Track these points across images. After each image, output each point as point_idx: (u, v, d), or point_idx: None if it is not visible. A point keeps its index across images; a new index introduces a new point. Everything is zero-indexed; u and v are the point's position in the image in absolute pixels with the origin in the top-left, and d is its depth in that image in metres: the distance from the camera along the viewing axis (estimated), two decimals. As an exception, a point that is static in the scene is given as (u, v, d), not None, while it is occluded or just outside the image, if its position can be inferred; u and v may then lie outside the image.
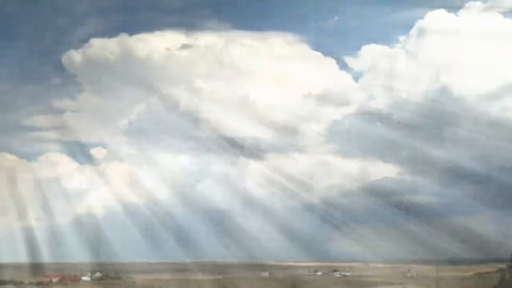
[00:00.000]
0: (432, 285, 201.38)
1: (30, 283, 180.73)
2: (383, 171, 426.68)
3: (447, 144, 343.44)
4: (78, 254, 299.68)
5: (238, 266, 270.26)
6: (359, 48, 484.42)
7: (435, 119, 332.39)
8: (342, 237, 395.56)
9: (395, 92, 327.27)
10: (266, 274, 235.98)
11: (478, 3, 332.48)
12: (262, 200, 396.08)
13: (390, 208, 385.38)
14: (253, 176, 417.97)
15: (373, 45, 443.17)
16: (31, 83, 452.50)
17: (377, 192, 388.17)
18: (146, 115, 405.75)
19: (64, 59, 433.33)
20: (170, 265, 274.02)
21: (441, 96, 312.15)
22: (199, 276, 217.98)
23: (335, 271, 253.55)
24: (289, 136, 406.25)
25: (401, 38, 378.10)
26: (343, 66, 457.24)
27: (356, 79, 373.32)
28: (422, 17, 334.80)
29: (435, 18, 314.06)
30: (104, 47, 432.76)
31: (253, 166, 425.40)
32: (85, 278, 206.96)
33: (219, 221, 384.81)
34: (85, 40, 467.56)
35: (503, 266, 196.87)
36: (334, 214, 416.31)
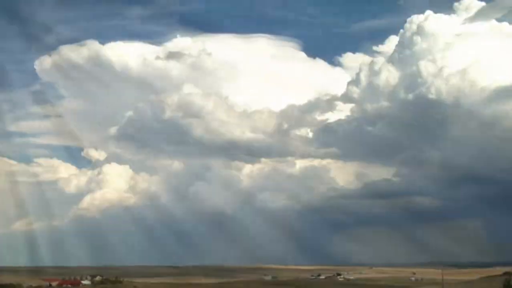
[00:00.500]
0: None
1: (29, 287, 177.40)
2: (378, 173, 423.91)
3: (439, 145, 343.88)
4: (77, 258, 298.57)
5: (241, 270, 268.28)
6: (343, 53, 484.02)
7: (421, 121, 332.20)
8: (343, 239, 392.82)
9: (382, 95, 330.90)
10: (269, 277, 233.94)
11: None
12: (259, 203, 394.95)
13: (389, 210, 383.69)
14: (247, 179, 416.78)
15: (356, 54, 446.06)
16: (6, 90, 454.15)
17: (374, 194, 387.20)
18: (136, 121, 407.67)
19: (37, 65, 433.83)
20: (172, 269, 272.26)
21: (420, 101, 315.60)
22: (202, 280, 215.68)
23: (339, 274, 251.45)
24: (278, 140, 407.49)
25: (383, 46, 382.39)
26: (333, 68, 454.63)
27: (346, 83, 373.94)
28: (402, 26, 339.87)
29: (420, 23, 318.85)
30: (75, 54, 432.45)
31: (247, 169, 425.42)
32: (85, 282, 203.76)
33: (218, 224, 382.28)
34: (55, 48, 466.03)
35: (509, 269, 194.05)
36: (333, 217, 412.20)
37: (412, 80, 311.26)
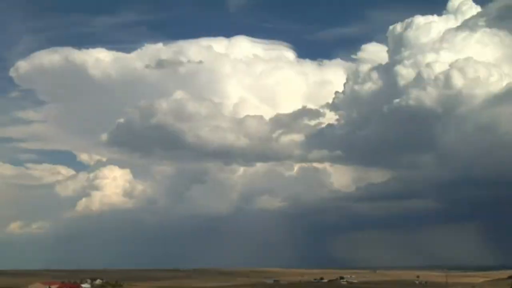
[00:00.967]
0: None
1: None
2: (372, 177, 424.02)
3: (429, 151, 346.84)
4: (76, 261, 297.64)
5: (242, 273, 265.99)
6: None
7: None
8: (343, 243, 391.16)
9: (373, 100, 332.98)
10: (271, 281, 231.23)
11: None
12: (255, 206, 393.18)
13: (387, 213, 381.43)
14: (244, 181, 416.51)
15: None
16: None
17: (369, 198, 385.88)
18: (125, 127, 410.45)
19: (12, 72, 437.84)
20: (173, 272, 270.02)
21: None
22: (202, 283, 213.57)
23: (342, 278, 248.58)
24: (268, 145, 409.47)
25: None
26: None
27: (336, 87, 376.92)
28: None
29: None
30: (50, 60, 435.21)
31: (239, 173, 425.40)
32: (85, 285, 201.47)
33: (217, 227, 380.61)
34: (28, 54, 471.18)
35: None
36: (327, 220, 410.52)
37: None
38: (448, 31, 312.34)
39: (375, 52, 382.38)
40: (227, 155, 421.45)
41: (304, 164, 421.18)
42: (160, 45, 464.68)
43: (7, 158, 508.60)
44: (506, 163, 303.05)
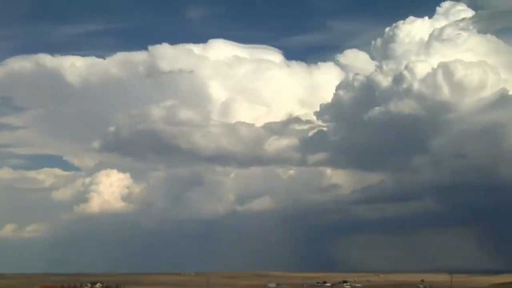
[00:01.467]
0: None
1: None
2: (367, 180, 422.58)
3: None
4: (75, 265, 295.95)
5: (244, 277, 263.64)
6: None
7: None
8: (345, 246, 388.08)
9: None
10: (273, 285, 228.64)
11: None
12: (252, 210, 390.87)
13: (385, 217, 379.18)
14: (242, 184, 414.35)
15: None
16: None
17: (365, 201, 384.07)
18: (114, 132, 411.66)
19: None
20: (173, 276, 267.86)
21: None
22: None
23: (345, 282, 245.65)
24: (259, 149, 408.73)
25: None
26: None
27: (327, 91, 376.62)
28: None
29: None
30: (25, 66, 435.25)
31: (233, 177, 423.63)
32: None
33: (216, 230, 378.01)
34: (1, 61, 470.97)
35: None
36: (327, 222, 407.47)
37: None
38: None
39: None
40: (222, 159, 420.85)
41: (301, 167, 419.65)
42: (135, 52, 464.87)
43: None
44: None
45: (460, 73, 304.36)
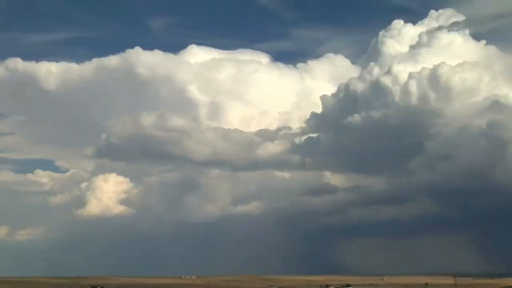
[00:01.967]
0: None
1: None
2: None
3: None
4: (74, 269, 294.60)
5: (246, 280, 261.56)
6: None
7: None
8: (345, 249, 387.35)
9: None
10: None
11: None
12: (250, 213, 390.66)
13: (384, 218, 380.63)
14: (240, 187, 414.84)
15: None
16: None
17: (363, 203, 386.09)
18: (102, 137, 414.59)
19: None
20: (174, 280, 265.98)
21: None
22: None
23: (348, 285, 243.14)
24: (252, 154, 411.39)
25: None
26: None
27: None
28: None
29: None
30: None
31: (238, 178, 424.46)
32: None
33: (215, 234, 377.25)
34: None
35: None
36: (329, 226, 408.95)
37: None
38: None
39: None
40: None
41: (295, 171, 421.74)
42: (110, 57, 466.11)
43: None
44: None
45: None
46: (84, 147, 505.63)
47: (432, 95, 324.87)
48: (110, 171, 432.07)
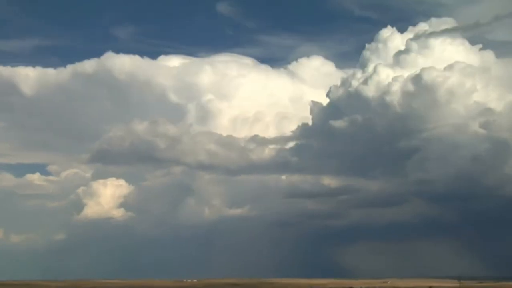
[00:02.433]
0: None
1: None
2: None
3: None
4: (74, 272, 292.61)
5: (246, 285, 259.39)
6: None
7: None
8: (347, 251, 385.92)
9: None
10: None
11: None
12: (247, 216, 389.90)
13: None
14: (238, 190, 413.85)
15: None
16: None
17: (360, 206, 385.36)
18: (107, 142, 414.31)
19: None
20: (176, 283, 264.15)
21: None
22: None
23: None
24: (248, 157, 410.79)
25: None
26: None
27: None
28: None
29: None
30: None
31: (237, 182, 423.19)
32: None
33: (215, 238, 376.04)
34: None
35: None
36: (328, 228, 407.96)
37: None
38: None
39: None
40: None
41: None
42: (87, 61, 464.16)
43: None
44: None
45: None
46: (73, 152, 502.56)
47: (423, 99, 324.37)
48: (105, 176, 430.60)
